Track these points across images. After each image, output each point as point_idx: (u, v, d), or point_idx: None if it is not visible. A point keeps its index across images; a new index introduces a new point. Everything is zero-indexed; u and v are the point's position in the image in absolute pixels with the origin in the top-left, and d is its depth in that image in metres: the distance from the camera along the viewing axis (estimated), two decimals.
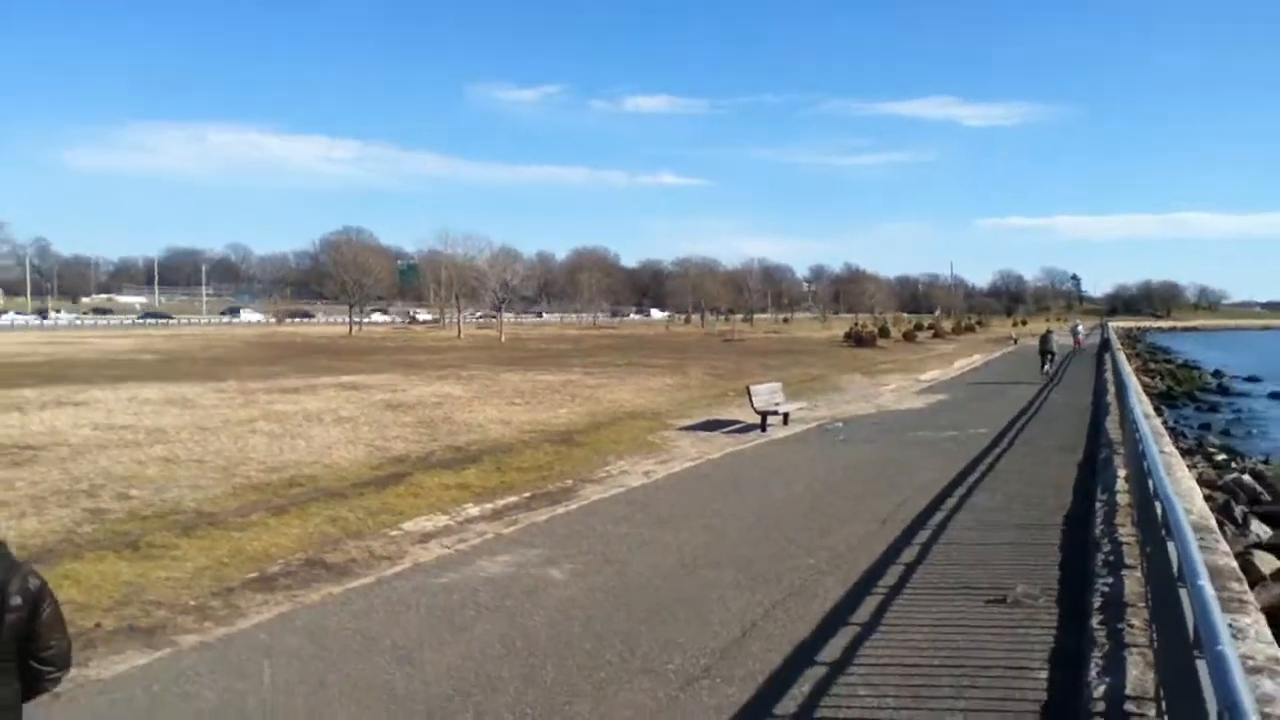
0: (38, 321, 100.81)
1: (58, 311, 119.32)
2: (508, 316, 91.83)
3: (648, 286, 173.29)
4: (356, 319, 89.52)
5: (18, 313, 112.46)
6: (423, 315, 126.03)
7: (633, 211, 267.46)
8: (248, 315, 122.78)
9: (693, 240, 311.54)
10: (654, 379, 31.65)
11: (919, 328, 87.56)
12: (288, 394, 24.19)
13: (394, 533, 10.48)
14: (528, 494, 12.80)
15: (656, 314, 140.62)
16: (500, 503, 12.19)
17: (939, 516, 11.25)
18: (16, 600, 3.14)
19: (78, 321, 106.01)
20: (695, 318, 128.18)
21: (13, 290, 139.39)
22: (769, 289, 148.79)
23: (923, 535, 10.22)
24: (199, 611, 7.68)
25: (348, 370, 33.87)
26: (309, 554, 9.46)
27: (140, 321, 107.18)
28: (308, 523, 10.75)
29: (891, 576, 8.51)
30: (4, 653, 3.17)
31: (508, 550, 9.65)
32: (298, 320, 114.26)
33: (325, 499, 11.99)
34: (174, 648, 6.90)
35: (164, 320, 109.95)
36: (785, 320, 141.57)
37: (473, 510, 11.72)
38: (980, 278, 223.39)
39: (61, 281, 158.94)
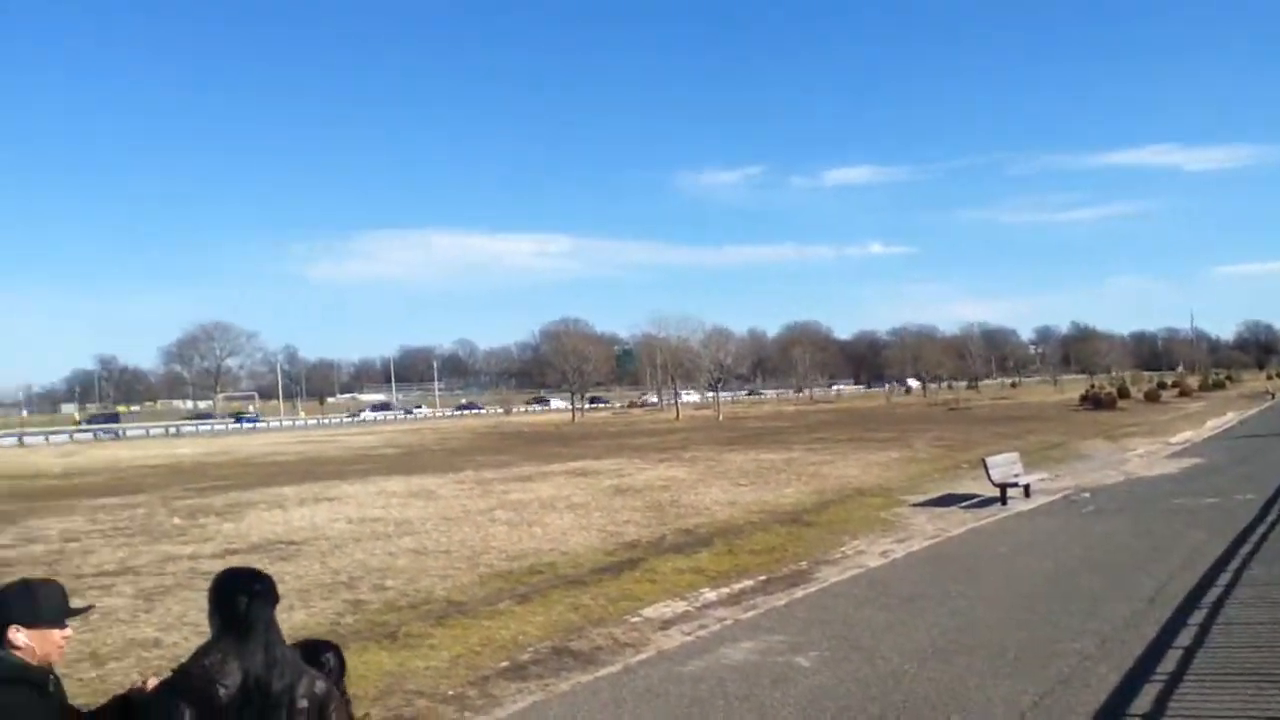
0: (303, 422, 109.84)
1: (413, 410, 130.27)
2: (724, 395, 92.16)
3: (864, 358, 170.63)
4: (570, 404, 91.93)
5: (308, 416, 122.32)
6: (556, 403, 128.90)
7: (842, 283, 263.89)
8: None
9: (907, 308, 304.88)
10: (880, 453, 30.90)
11: (1162, 386, 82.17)
12: (521, 482, 25.01)
13: (635, 619, 10.54)
14: (763, 577, 12.64)
15: (912, 383, 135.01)
16: (736, 587, 12.08)
17: (1213, 593, 10.34)
18: (303, 704, 3.25)
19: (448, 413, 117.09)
20: (916, 387, 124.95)
21: (266, 394, 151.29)
22: (992, 353, 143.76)
23: (1198, 615, 9.41)
24: (458, 701, 7.91)
25: (575, 456, 34.77)
26: (556, 642, 9.62)
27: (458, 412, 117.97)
28: (551, 610, 10.96)
29: (1169, 662, 7.84)
30: None
31: (749, 636, 9.52)
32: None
33: (565, 586, 12.22)
34: None
35: (476, 410, 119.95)
36: (1013, 385, 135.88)
37: (710, 595, 11.66)
38: (1224, 329, 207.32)
39: (309, 384, 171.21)
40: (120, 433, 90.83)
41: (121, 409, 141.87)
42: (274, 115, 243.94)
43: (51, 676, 3.21)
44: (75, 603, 3.34)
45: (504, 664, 8.92)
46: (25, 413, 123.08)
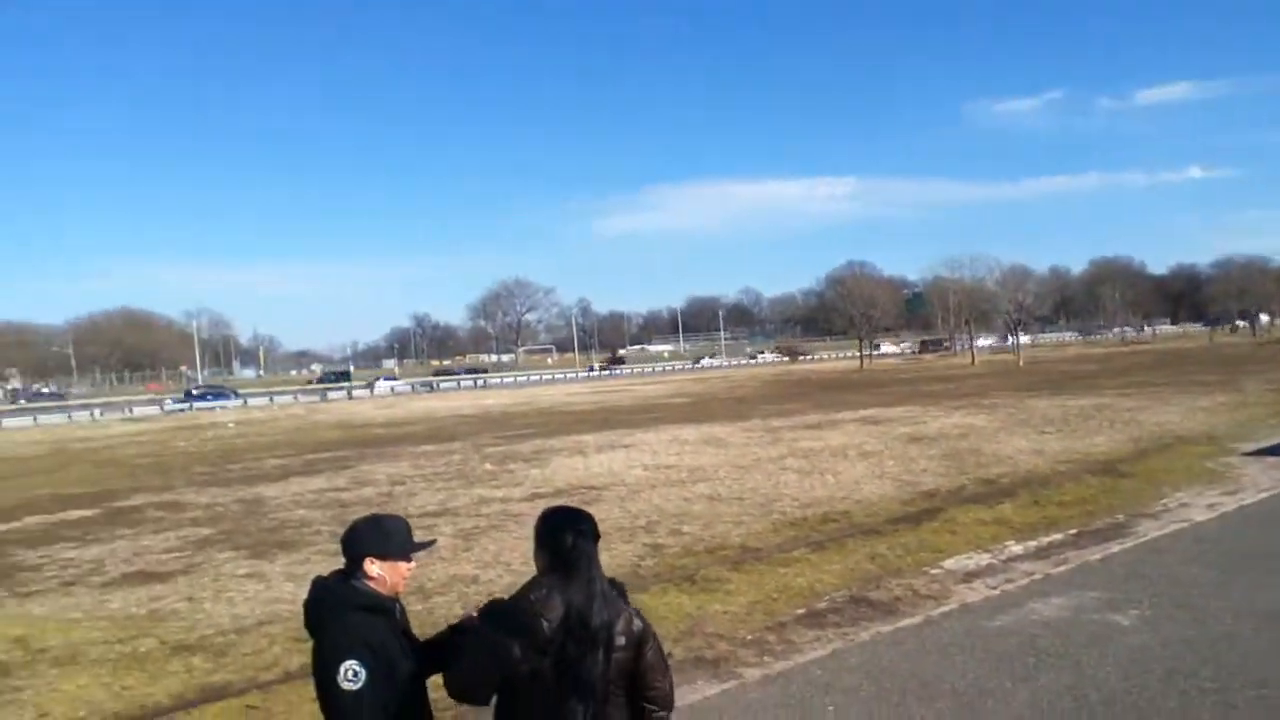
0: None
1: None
2: (1024, 338, 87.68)
3: (1182, 294, 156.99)
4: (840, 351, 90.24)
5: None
6: (887, 347, 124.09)
7: (1156, 213, 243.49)
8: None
9: (1233, 238, 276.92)
10: (1203, 398, 28.39)
11: None
12: (810, 430, 24.90)
13: (935, 571, 10.22)
14: (1073, 530, 11.90)
15: (1264, 318, 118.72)
16: (1044, 540, 11.45)
17: None
18: (621, 640, 3.31)
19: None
20: (1245, 325, 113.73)
21: (562, 347, 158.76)
22: None
23: None
24: (756, 645, 7.98)
25: (864, 404, 34.22)
26: (853, 591, 9.50)
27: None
28: (847, 559, 10.83)
29: None
30: (615, 688, 3.38)
31: (1061, 592, 9.00)
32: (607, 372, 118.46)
33: (860, 535, 12.05)
34: (739, 680, 7.21)
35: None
36: None
37: (1015, 548, 11.12)
38: None
39: (601, 336, 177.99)
40: (434, 385, 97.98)
41: (435, 363, 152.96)
42: (566, 75, 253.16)
43: (398, 605, 3.46)
44: (417, 538, 3.55)
45: (801, 611, 8.91)
46: (353, 368, 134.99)
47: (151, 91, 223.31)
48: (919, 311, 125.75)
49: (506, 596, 3.48)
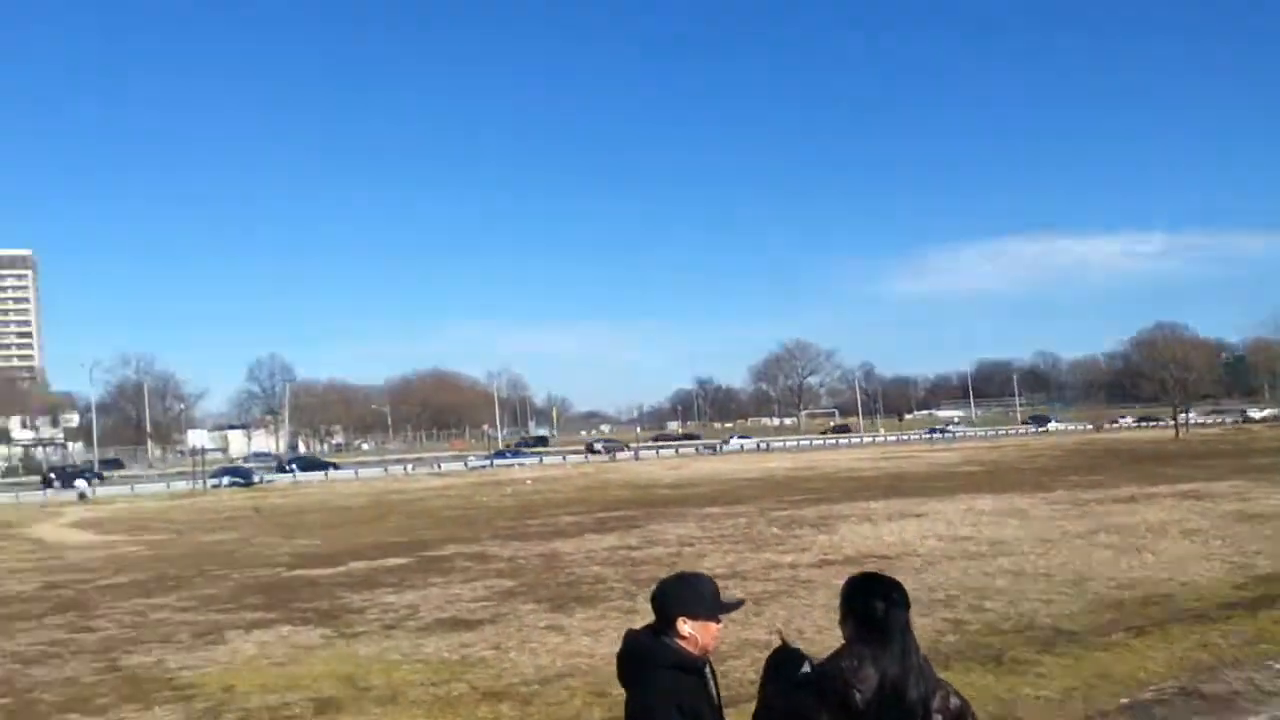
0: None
1: None
2: None
3: None
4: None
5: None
6: (1256, 413, 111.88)
7: None
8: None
9: None
10: None
11: None
12: (1123, 504, 23.21)
13: (1278, 665, 9.17)
14: None
15: None
16: None
17: None
18: (939, 718, 3.18)
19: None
20: None
21: (845, 411, 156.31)
22: None
23: None
24: None
25: (1183, 478, 31.47)
26: (1183, 682, 8.66)
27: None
28: (1173, 647, 9.91)
29: None
30: None
31: None
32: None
33: (1188, 621, 11.00)
34: None
35: None
36: None
37: None
38: None
39: (886, 400, 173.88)
40: (718, 448, 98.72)
41: (655, 430, 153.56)
42: (850, 134, 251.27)
43: (708, 665, 3.46)
44: (725, 598, 3.52)
45: (1124, 700, 8.20)
46: (639, 429, 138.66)
47: (481, 168, 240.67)
48: (1241, 376, 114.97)
49: (786, 642, 3.42)
